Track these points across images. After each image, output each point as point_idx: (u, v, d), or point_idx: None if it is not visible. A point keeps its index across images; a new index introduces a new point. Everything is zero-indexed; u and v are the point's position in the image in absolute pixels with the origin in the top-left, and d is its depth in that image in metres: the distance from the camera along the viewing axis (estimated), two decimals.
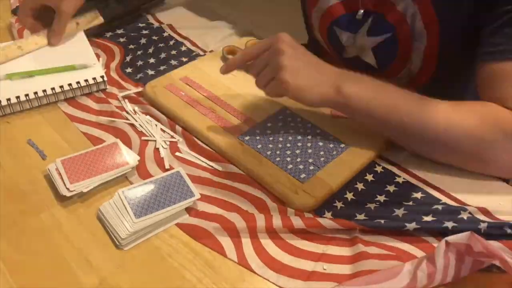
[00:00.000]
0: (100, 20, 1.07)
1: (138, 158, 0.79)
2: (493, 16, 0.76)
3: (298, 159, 0.77)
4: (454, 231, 0.67)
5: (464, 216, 0.69)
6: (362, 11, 0.91)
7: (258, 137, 0.81)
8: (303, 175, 0.75)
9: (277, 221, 0.69)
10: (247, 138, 0.81)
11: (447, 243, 0.60)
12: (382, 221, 0.68)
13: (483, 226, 0.67)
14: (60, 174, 0.75)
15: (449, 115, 0.73)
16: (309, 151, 0.79)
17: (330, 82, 0.76)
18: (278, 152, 0.79)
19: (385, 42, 0.91)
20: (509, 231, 0.67)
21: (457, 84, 0.93)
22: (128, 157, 0.78)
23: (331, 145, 0.80)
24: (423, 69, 0.92)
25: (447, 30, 0.85)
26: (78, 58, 0.95)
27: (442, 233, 0.68)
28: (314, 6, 0.99)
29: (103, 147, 0.80)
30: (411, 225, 0.67)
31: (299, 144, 0.80)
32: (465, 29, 0.83)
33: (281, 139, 0.81)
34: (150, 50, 1.05)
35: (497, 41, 0.75)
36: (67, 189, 0.73)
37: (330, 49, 1.03)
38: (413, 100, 0.75)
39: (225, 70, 0.82)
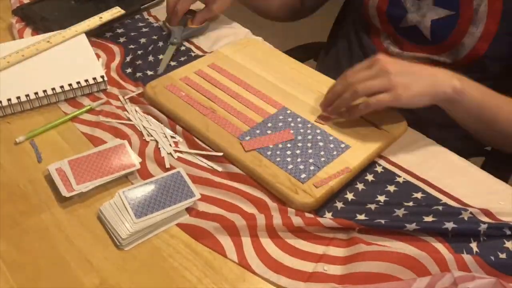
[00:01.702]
0: (121, 11, 1.10)
1: (140, 160, 0.79)
2: None
3: (299, 159, 0.77)
4: (454, 232, 0.67)
5: (465, 216, 0.69)
6: None
7: (258, 137, 0.81)
8: (303, 175, 0.75)
9: (277, 220, 0.69)
10: (247, 138, 0.81)
11: None
12: (383, 221, 0.68)
13: (483, 227, 0.67)
14: (62, 174, 0.75)
15: None
16: (310, 151, 0.79)
17: (445, 82, 0.80)
18: (278, 152, 0.79)
19: (446, 19, 0.93)
20: (508, 232, 0.67)
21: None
22: (135, 158, 0.79)
23: (332, 145, 0.80)
24: (471, 54, 0.94)
25: (508, 16, 0.88)
26: (84, 70, 0.95)
27: (442, 234, 0.68)
28: None
29: (110, 148, 0.80)
30: (411, 226, 0.67)
31: (300, 144, 0.80)
32: None
33: None
34: (150, 50, 1.05)
35: None
36: (72, 189, 0.73)
37: (383, 22, 1.04)
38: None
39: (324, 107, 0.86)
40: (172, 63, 1.02)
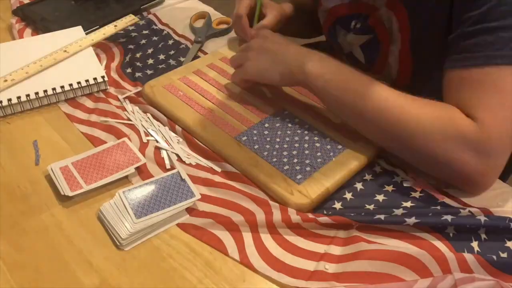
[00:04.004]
0: (135, 19, 1.14)
1: (145, 160, 0.80)
2: (460, 23, 0.75)
3: (295, 160, 0.78)
4: (454, 224, 0.67)
5: (464, 214, 0.69)
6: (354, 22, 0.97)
7: (255, 138, 0.82)
8: (299, 176, 0.75)
9: (277, 217, 0.70)
10: (244, 138, 0.82)
11: None
12: (382, 217, 0.68)
13: (483, 219, 0.67)
14: (66, 173, 0.75)
15: (405, 106, 0.73)
16: (306, 152, 0.79)
17: (294, 62, 0.83)
18: (275, 153, 0.79)
19: (370, 41, 0.95)
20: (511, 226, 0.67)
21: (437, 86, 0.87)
22: (138, 153, 0.79)
23: (329, 146, 0.80)
24: (400, 71, 0.94)
25: (417, 36, 0.87)
26: (85, 69, 0.95)
27: (443, 232, 0.68)
28: (320, 7, 1.04)
29: (113, 146, 0.80)
30: (411, 220, 0.67)
31: (296, 145, 0.80)
32: (437, 37, 0.83)
33: (278, 140, 0.81)
34: (150, 50, 1.06)
35: (461, 48, 0.74)
36: (76, 188, 0.74)
37: (333, 46, 1.08)
38: (373, 86, 0.76)
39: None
40: (171, 62, 1.02)
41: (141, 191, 0.74)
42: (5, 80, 0.91)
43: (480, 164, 0.70)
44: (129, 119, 0.88)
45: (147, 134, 0.85)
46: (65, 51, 0.99)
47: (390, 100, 0.74)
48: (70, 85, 0.92)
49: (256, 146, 0.80)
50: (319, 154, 0.79)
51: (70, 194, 0.73)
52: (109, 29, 1.08)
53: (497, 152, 0.70)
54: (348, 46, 1.01)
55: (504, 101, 0.70)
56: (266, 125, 0.84)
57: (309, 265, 0.66)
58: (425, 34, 0.86)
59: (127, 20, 1.11)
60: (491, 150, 0.70)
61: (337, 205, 0.74)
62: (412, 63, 0.91)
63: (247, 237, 0.69)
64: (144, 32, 1.12)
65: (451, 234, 0.68)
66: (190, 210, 0.73)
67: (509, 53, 0.70)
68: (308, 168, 0.76)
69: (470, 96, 0.72)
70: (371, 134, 0.79)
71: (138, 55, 1.04)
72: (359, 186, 0.77)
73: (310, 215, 0.70)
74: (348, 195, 0.75)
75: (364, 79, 0.78)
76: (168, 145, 0.83)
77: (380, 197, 0.74)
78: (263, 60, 0.86)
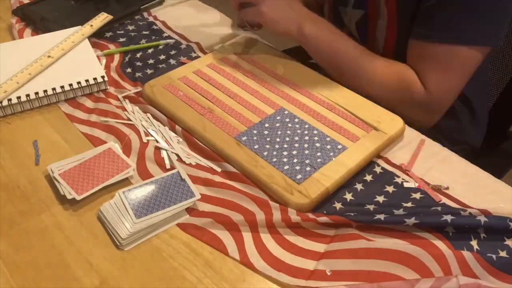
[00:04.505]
0: (109, 17, 1.11)
1: (130, 160, 0.79)
2: None
3: (295, 160, 0.78)
4: (453, 225, 0.67)
5: (464, 215, 0.69)
6: None
7: (255, 138, 0.82)
8: (299, 176, 0.75)
9: (277, 217, 0.70)
10: (244, 138, 0.82)
11: None
12: (382, 218, 0.68)
13: (483, 220, 0.67)
14: (69, 179, 0.76)
15: (377, 73, 0.93)
16: (306, 152, 0.79)
17: (295, 20, 0.94)
18: (275, 153, 0.79)
19: (363, 18, 1.01)
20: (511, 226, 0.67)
21: None
22: (127, 159, 0.79)
23: (328, 146, 0.80)
24: (385, 46, 1.01)
25: (402, 11, 0.94)
26: (86, 72, 0.95)
27: (443, 232, 0.68)
28: None
29: (100, 154, 0.80)
30: (411, 220, 0.67)
31: (296, 145, 0.80)
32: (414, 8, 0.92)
33: (278, 139, 0.81)
34: (150, 50, 1.06)
35: (424, 21, 0.88)
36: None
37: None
38: (358, 51, 0.94)
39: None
40: (171, 62, 1.02)
41: (141, 191, 0.74)
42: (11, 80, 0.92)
43: (427, 117, 0.94)
44: (129, 119, 0.88)
45: (147, 134, 0.85)
46: (49, 56, 0.98)
47: (370, 66, 0.93)
48: (70, 85, 0.92)
49: (256, 146, 0.80)
50: (319, 154, 0.79)
51: (78, 198, 0.73)
52: (86, 30, 1.06)
53: (440, 110, 0.93)
54: (349, 24, 1.06)
55: (451, 76, 0.90)
56: (266, 125, 0.84)
57: (309, 265, 0.66)
58: (407, 6, 0.93)
59: (101, 19, 1.10)
60: (435, 110, 0.93)
61: (337, 205, 0.74)
62: (396, 39, 0.97)
63: (247, 237, 0.70)
64: (144, 32, 1.12)
65: (450, 233, 0.68)
66: (190, 210, 0.73)
67: (462, 34, 0.85)
68: (308, 168, 0.76)
69: (426, 67, 0.90)
70: (350, 87, 0.93)
71: (138, 55, 1.04)
72: (359, 186, 0.77)
73: (310, 215, 0.70)
74: (348, 196, 0.75)
75: (347, 41, 0.94)
76: (168, 145, 0.83)
77: (380, 198, 0.74)
78: (277, 11, 0.93)
